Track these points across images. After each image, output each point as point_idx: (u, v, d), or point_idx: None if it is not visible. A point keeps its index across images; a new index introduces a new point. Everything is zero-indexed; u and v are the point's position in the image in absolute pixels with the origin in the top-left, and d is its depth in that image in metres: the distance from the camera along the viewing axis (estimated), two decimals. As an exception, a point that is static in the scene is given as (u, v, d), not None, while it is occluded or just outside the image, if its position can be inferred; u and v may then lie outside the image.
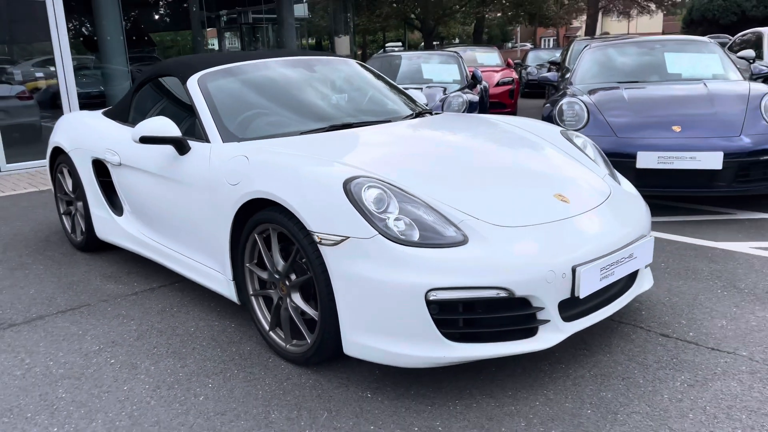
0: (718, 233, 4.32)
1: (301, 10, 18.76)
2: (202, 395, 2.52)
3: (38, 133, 9.19)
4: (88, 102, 9.26)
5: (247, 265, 2.87)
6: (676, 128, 4.63)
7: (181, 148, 3.19)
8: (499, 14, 36.29)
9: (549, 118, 5.20)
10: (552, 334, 2.39)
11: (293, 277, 2.64)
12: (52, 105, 9.24)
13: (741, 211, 4.85)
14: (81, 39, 13.22)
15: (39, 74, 9.34)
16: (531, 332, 2.37)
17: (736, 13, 34.14)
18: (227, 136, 3.13)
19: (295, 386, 2.55)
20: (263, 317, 2.88)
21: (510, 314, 2.33)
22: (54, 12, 8.30)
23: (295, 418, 2.33)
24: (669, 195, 4.98)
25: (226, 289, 3.04)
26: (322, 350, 2.54)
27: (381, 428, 2.25)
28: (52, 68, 9.10)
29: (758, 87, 5.12)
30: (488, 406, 2.35)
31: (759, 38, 10.60)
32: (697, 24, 34.92)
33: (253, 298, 2.91)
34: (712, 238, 4.21)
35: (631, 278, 2.82)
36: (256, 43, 19.02)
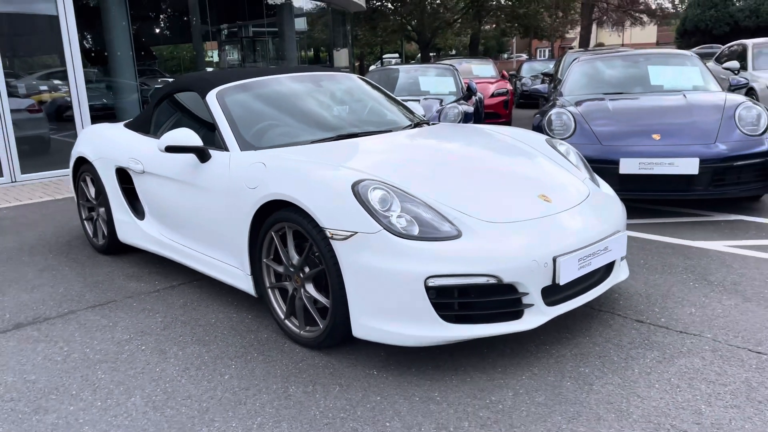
0: (694, 233, 4.66)
1: (301, 24, 19.17)
2: (227, 374, 2.84)
3: (47, 145, 9.53)
4: (95, 114, 9.57)
5: (264, 260, 3.19)
6: (656, 136, 4.98)
7: (203, 156, 3.52)
8: (494, 26, 36.85)
9: (539, 128, 5.55)
10: (536, 316, 2.72)
11: (307, 269, 2.97)
12: (59, 117, 9.59)
13: (717, 213, 5.20)
14: (92, 54, 13.58)
15: (47, 87, 9.69)
16: (517, 315, 2.70)
17: (729, 24, 34.71)
18: (244, 145, 3.46)
19: (310, 366, 2.87)
20: (279, 307, 3.20)
21: (498, 299, 2.65)
22: (67, 26, 8.65)
23: (310, 392, 2.65)
24: (650, 198, 5.33)
25: (245, 283, 3.36)
26: (334, 334, 2.87)
27: (386, 398, 2.57)
28: (57, 81, 9.44)
29: (734, 98, 5.47)
30: (480, 380, 2.68)
31: (744, 50, 11.02)
32: (690, 34, 35.47)
33: (269, 290, 3.23)
34: (689, 238, 4.55)
35: (609, 269, 3.15)
36: (255, 56, 19.40)
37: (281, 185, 2.95)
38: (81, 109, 9.08)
